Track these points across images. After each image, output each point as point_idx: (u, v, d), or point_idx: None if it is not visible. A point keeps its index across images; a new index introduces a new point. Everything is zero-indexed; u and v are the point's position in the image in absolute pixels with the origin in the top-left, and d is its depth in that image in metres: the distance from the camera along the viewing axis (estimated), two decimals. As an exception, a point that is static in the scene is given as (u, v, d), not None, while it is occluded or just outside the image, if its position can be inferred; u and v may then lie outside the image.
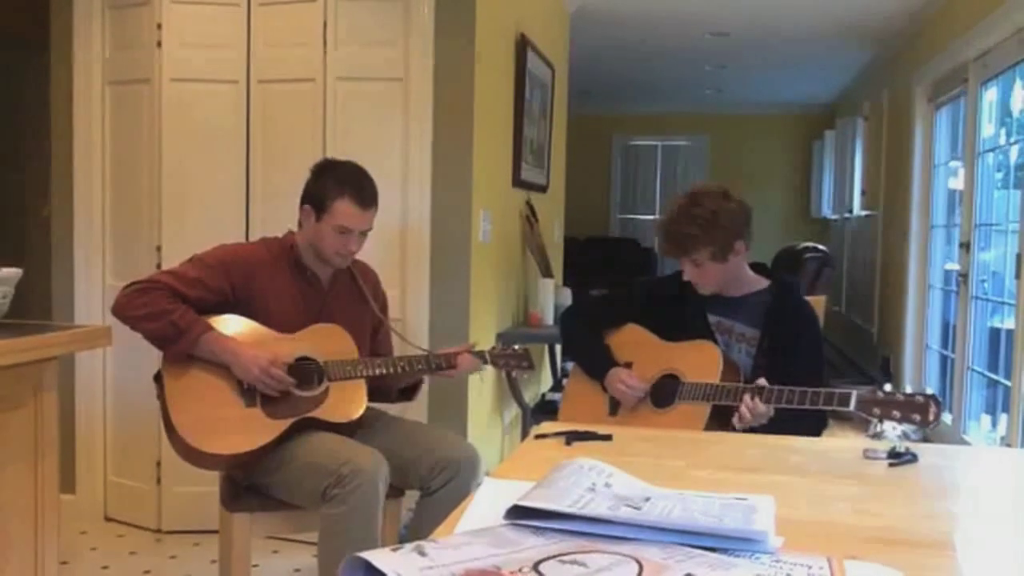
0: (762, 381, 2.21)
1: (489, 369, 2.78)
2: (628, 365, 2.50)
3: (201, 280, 2.45)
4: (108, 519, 3.75)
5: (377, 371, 2.55)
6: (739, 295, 2.49)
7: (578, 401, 2.61)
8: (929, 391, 1.95)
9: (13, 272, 2.14)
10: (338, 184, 2.53)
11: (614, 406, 2.50)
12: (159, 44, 3.51)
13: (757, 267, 2.55)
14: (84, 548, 3.48)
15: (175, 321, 2.36)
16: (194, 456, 2.39)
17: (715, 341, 2.45)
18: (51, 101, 3.72)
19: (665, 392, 2.41)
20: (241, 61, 3.50)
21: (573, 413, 2.59)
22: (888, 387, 1.99)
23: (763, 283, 2.52)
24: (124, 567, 3.31)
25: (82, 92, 3.67)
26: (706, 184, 2.49)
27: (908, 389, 1.97)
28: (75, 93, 3.67)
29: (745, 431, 2.17)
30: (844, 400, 2.03)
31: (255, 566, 3.07)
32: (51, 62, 3.71)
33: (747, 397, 2.18)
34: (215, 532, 2.78)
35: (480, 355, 2.68)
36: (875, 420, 1.95)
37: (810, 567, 1.09)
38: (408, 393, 2.80)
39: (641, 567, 1.02)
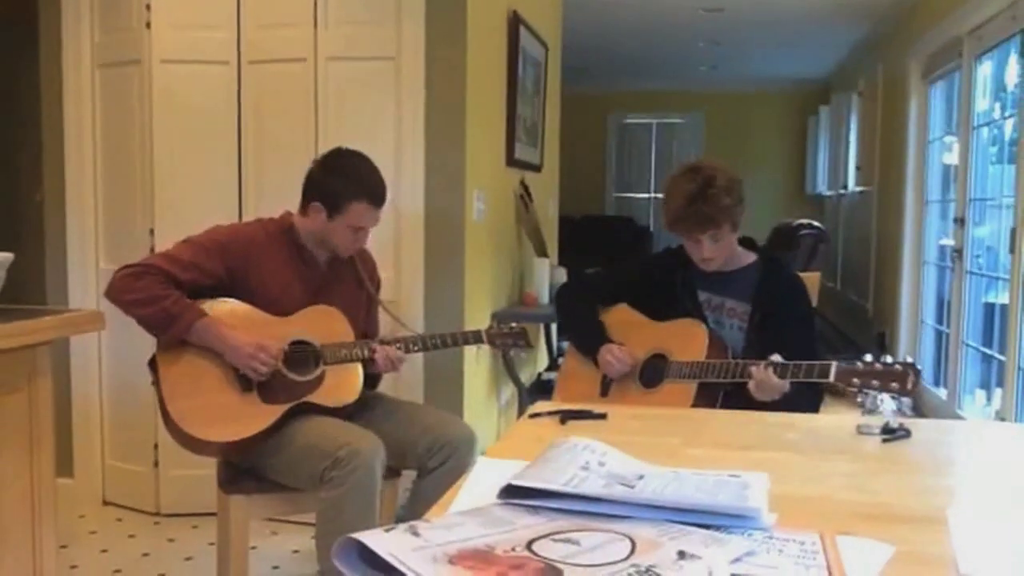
0: (776, 357, 2.19)
1: (485, 348, 2.78)
2: (619, 345, 2.50)
3: (195, 263, 2.44)
4: (106, 503, 3.76)
5: (369, 353, 2.54)
6: (728, 270, 2.49)
7: (572, 380, 2.62)
8: (908, 359, 1.96)
9: (5, 256, 2.12)
10: (354, 185, 2.50)
11: (605, 385, 2.50)
12: (148, 25, 3.48)
13: (742, 241, 2.54)
14: (83, 532, 3.49)
15: (168, 308, 2.35)
16: (191, 443, 2.39)
17: (705, 318, 2.45)
18: (41, 84, 3.69)
19: (653, 371, 2.41)
20: (231, 42, 3.48)
21: (567, 392, 2.60)
22: (868, 357, 2.00)
23: (751, 257, 2.53)
24: (123, 550, 3.32)
25: (72, 75, 3.64)
26: (701, 158, 2.48)
27: (888, 359, 1.98)
28: (65, 76, 3.65)
29: (745, 406, 2.17)
30: (824, 372, 2.05)
31: (253, 548, 3.08)
32: (40, 45, 3.68)
33: (758, 368, 2.17)
34: (213, 515, 2.78)
35: (477, 335, 2.68)
36: (856, 391, 1.97)
37: (803, 543, 1.09)
38: (370, 382, 2.67)
39: (634, 545, 1.03)
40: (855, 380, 1.97)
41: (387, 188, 2.60)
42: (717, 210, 2.34)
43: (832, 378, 2.03)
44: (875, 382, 1.94)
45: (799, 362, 2.12)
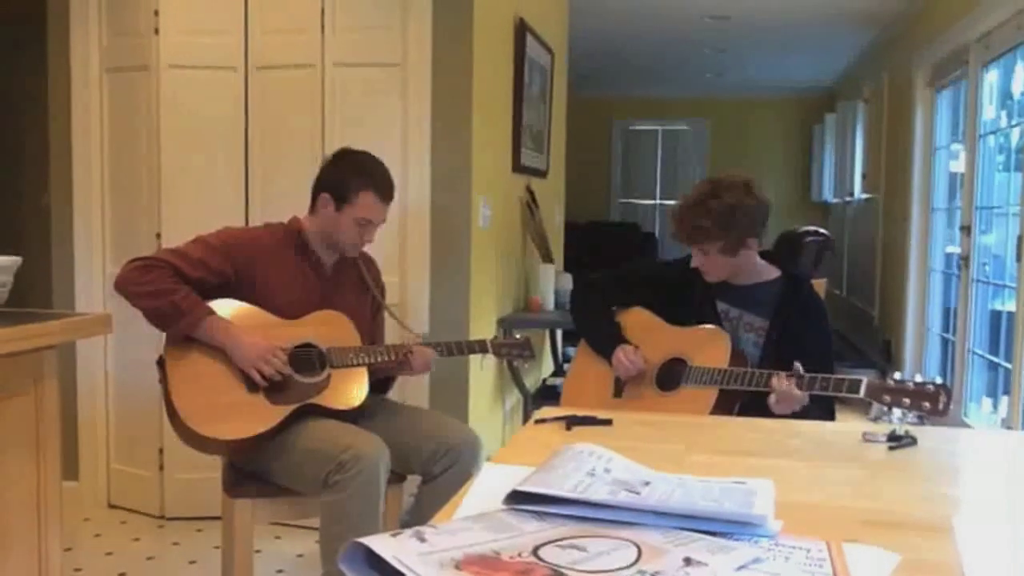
0: (797, 367, 2.18)
1: (490, 357, 2.78)
2: (634, 348, 2.49)
3: (204, 261, 2.45)
4: (111, 506, 3.77)
5: (379, 358, 2.55)
6: (749, 284, 2.48)
7: (583, 380, 2.61)
8: (939, 380, 1.93)
9: (12, 260, 2.13)
10: (362, 176, 2.53)
11: (619, 387, 2.49)
12: (156, 31, 3.50)
13: (765, 255, 2.53)
14: (88, 535, 3.49)
15: (177, 302, 2.36)
16: (196, 441, 2.40)
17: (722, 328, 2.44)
18: (49, 89, 3.71)
19: (671, 375, 2.40)
20: (239, 47, 3.49)
21: (577, 392, 2.59)
22: (898, 375, 1.98)
23: (773, 273, 2.51)
24: (127, 553, 3.33)
25: (80, 79, 3.66)
26: (731, 174, 2.44)
27: (918, 378, 1.96)
28: (73, 80, 3.66)
29: (760, 416, 2.16)
30: (854, 387, 2.03)
31: (257, 552, 3.07)
32: (48, 50, 3.70)
33: (780, 380, 2.15)
34: (218, 518, 2.79)
35: (482, 345, 2.68)
36: (885, 407, 1.95)
37: (809, 550, 1.09)
38: (382, 386, 2.73)
39: (640, 551, 1.03)
40: (886, 397, 1.95)
41: (394, 188, 2.61)
42: (691, 227, 2.36)
43: (862, 394, 2.01)
44: (906, 400, 1.92)
45: (827, 375, 2.11)
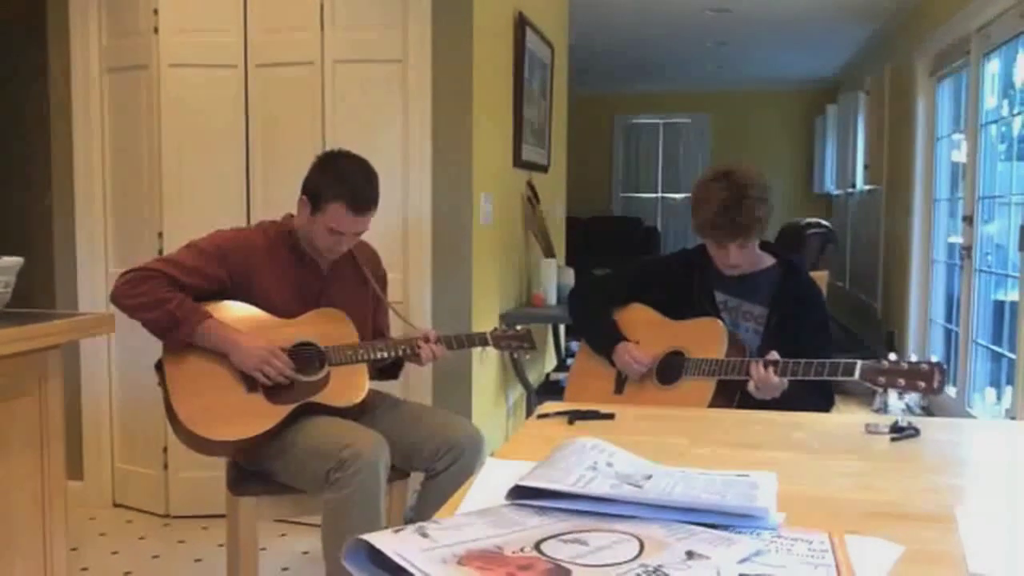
0: (773, 354, 2.20)
1: (491, 350, 2.78)
2: (635, 344, 2.50)
3: (198, 268, 2.44)
4: (116, 505, 3.78)
5: (379, 355, 2.55)
6: (747, 272, 2.49)
7: (585, 378, 2.61)
8: (934, 359, 1.94)
9: (14, 261, 2.14)
10: (338, 184, 2.47)
11: (620, 384, 2.50)
12: (156, 30, 3.50)
13: (761, 244, 2.54)
14: (93, 534, 3.50)
15: (172, 311, 2.36)
16: (198, 443, 2.40)
17: (722, 320, 2.45)
18: (50, 89, 3.71)
19: (671, 369, 2.41)
20: (238, 45, 3.49)
21: (580, 390, 2.59)
22: (892, 356, 1.98)
23: (769, 261, 2.52)
24: (133, 552, 3.34)
25: (80, 79, 3.66)
26: (732, 164, 2.46)
27: (913, 357, 1.97)
28: (73, 80, 3.67)
29: (761, 404, 2.17)
30: (849, 370, 2.03)
31: (263, 549, 3.08)
32: (48, 50, 3.70)
33: (757, 366, 2.18)
34: (223, 516, 2.79)
35: (483, 337, 2.68)
36: (880, 389, 1.95)
37: (811, 542, 1.09)
38: (391, 371, 2.75)
39: (642, 545, 1.03)
40: (880, 379, 1.95)
41: (377, 199, 2.53)
42: (751, 220, 2.34)
43: (857, 376, 2.01)
44: (901, 381, 1.92)
45: (822, 360, 2.11)
